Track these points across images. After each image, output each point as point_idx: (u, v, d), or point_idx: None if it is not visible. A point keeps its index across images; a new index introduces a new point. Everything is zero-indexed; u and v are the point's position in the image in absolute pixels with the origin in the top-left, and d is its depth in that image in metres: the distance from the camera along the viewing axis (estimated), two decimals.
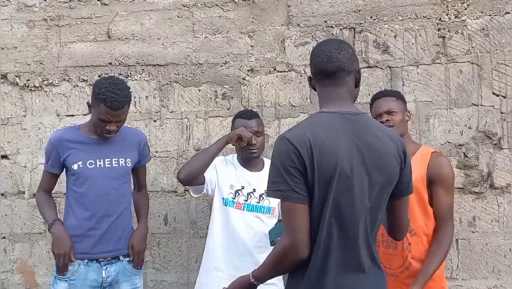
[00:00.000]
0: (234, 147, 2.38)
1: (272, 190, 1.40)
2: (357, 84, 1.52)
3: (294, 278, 1.44)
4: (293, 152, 1.36)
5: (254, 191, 2.26)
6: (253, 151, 2.27)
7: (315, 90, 1.56)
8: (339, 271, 1.39)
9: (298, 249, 1.36)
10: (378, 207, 1.44)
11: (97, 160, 2.16)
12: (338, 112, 1.44)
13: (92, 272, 2.14)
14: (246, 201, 2.25)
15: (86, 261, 2.14)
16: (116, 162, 2.19)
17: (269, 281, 2.19)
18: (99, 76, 2.88)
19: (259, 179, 2.22)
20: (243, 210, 2.24)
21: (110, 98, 2.02)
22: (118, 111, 2.06)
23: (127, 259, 2.23)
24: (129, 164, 2.24)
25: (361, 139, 1.41)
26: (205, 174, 2.26)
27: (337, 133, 1.40)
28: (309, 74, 1.57)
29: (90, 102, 2.14)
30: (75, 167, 2.14)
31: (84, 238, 2.14)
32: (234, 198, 2.25)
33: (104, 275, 2.16)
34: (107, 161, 2.17)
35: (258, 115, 2.42)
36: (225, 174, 2.29)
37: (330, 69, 1.46)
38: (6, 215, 2.96)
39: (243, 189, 2.27)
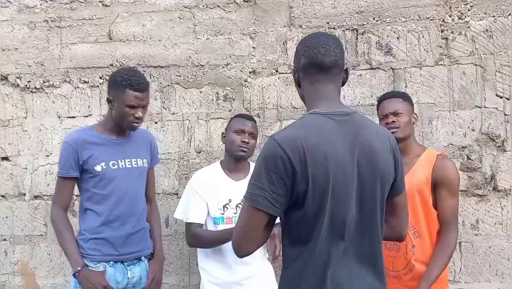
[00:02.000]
0: (223, 147, 2.38)
1: (247, 191, 1.33)
2: (343, 84, 1.46)
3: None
4: (281, 159, 1.26)
5: (242, 202, 2.23)
6: (244, 148, 2.23)
7: (299, 86, 1.46)
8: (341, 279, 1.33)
9: (237, 251, 1.36)
10: (377, 210, 1.38)
11: (119, 160, 2.14)
12: (331, 114, 1.36)
13: (118, 273, 2.14)
14: (236, 213, 2.19)
15: (111, 262, 2.13)
16: (135, 162, 2.19)
17: None
18: (100, 77, 2.87)
19: (245, 187, 2.19)
20: (234, 223, 2.21)
21: (136, 81, 2.07)
22: (144, 93, 2.10)
23: (147, 260, 2.25)
24: (145, 164, 2.24)
25: (356, 141, 1.33)
26: (199, 209, 2.23)
27: (332, 137, 1.32)
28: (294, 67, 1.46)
29: (111, 96, 2.11)
30: (98, 168, 2.09)
31: (109, 240, 2.12)
32: (223, 213, 2.22)
33: (129, 276, 2.16)
34: (127, 161, 2.16)
35: (256, 121, 2.40)
36: (209, 194, 2.24)
37: (328, 63, 1.37)
38: (6, 217, 2.94)
39: (230, 202, 2.23)
